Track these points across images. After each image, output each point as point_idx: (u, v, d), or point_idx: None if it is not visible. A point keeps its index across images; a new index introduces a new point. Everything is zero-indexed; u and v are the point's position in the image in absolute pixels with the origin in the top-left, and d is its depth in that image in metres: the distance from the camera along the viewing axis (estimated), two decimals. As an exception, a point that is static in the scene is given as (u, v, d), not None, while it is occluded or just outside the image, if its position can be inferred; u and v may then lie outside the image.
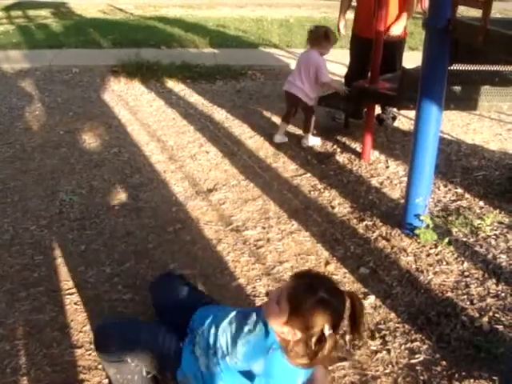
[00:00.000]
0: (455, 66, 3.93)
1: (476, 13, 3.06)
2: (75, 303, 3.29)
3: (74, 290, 3.40)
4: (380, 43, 4.73)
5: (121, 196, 4.54)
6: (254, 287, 3.42)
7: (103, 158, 5.22)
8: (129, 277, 3.52)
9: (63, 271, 3.59)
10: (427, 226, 3.85)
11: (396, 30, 5.46)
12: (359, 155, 5.24)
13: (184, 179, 4.83)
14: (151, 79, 7.73)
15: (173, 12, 14.08)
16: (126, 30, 11.01)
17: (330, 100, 5.64)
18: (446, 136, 5.78)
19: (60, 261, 3.69)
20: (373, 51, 4.84)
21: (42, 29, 11.40)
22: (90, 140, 5.66)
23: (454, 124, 6.25)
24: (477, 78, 4.22)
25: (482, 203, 4.47)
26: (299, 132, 5.82)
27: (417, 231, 3.83)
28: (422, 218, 3.86)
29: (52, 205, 4.41)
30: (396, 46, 5.69)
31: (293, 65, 8.46)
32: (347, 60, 6.20)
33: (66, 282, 3.47)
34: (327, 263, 3.68)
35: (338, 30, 5.88)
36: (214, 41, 9.98)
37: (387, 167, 5.06)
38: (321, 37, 5.31)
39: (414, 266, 3.62)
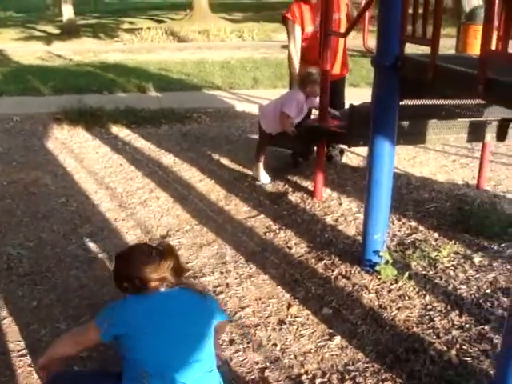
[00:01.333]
0: (404, 102, 3.98)
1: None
2: (29, 365, 3.11)
3: (26, 351, 3.23)
4: (327, 82, 4.76)
5: (71, 247, 4.39)
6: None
7: (51, 209, 5.06)
8: (85, 332, 3.36)
9: (14, 331, 3.41)
10: (387, 262, 3.83)
11: (339, 69, 5.61)
12: (311, 194, 5.22)
13: (136, 227, 4.72)
14: (95, 125, 7.62)
15: (112, 57, 14.05)
16: (67, 77, 10.89)
17: (278, 140, 5.63)
18: (394, 170, 5.82)
19: (10, 320, 3.51)
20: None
21: (-22, 77, 11.17)
22: (35, 190, 5.49)
23: (400, 158, 6.33)
24: (424, 112, 4.28)
25: (436, 235, 4.50)
26: (250, 174, 5.79)
27: (377, 267, 3.81)
28: (381, 253, 3.85)
29: (-1, 260, 4.23)
30: (341, 84, 5.84)
31: (238, 106, 8.52)
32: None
33: (18, 343, 3.30)
34: (289, 306, 3.61)
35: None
36: (157, 84, 9.94)
37: (340, 204, 5.06)
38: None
39: (376, 303, 3.59)
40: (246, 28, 20.39)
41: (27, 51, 17.32)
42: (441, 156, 6.49)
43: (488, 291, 3.69)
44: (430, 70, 3.00)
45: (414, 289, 3.73)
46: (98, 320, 2.33)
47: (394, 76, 3.44)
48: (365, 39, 5.23)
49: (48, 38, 21.45)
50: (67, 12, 22.37)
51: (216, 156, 6.45)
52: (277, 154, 6.21)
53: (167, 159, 6.38)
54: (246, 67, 11.77)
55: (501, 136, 4.92)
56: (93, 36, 20.30)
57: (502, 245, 4.33)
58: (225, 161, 6.27)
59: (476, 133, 4.85)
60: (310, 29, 5.57)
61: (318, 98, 5.04)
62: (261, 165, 5.60)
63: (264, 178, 5.56)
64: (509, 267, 4.00)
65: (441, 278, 3.85)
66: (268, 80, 10.34)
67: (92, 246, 4.41)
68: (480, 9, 6.55)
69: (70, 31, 21.40)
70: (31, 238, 4.54)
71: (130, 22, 24.82)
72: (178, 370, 2.25)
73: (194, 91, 9.67)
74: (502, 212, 4.90)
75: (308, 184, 5.47)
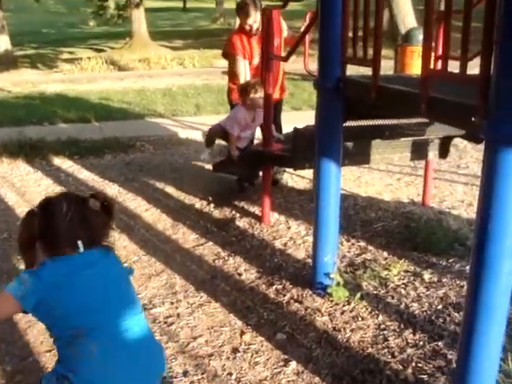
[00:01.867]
0: (347, 123, 4.01)
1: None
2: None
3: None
4: (270, 106, 4.77)
5: (14, 285, 4.23)
6: (171, 367, 3.22)
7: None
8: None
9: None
10: (338, 284, 3.82)
11: (278, 93, 5.67)
12: (259, 218, 5.19)
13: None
14: (36, 158, 7.44)
15: (53, 87, 13.82)
16: (5, 108, 10.64)
17: (223, 166, 5.60)
18: (340, 191, 5.87)
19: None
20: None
21: None
22: (-27, 228, 5.30)
23: (345, 178, 6.36)
24: (368, 133, 4.32)
25: (385, 254, 4.52)
26: (196, 201, 5.74)
27: (328, 290, 3.79)
28: (331, 275, 3.83)
29: None
30: (279, 106, 5.90)
31: (181, 133, 8.48)
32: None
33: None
34: (242, 333, 3.55)
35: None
36: (98, 114, 9.81)
37: (289, 228, 5.04)
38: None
39: (330, 326, 3.56)
40: (187, 55, 20.44)
41: (-37, 83, 16.93)
42: (385, 175, 6.56)
43: (439, 307, 3.72)
44: (373, 90, 3.03)
45: (367, 309, 3.72)
46: (12, 289, 2.03)
47: (336, 98, 3.46)
48: (306, 62, 5.29)
49: (-16, 69, 21.04)
50: (4, 43, 21.98)
51: (161, 185, 6.36)
52: (222, 180, 6.15)
53: (111, 190, 6.26)
54: (188, 94, 11.75)
55: (443, 153, 5.03)
56: (31, 67, 19.99)
57: (450, 260, 4.39)
58: (170, 189, 6.19)
59: (419, 151, 4.94)
60: (256, 60, 5.60)
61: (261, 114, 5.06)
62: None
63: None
64: (458, 282, 4.04)
65: (392, 297, 3.86)
66: (210, 106, 10.33)
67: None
68: (416, 30, 6.74)
69: (7, 62, 21.03)
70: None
71: (70, 52, 24.57)
72: (112, 321, 2.14)
73: (137, 120, 9.59)
74: (447, 228, 4.96)
75: (255, 209, 5.44)
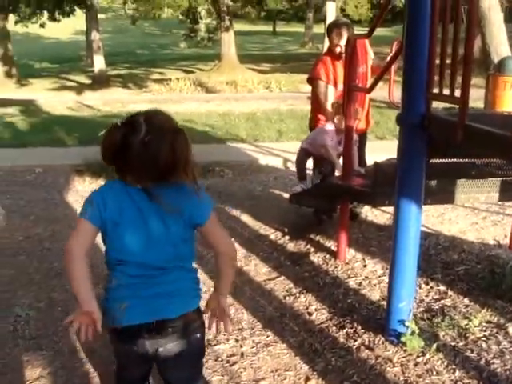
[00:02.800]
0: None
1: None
2: None
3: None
4: (351, 139, 4.59)
5: (82, 309, 4.21)
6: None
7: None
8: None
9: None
10: (413, 332, 3.57)
11: (364, 123, 5.45)
12: (334, 254, 5.00)
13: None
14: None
15: (140, 107, 13.99)
16: (93, 128, 10.84)
17: (302, 198, 5.45)
18: (422, 228, 5.60)
19: (12, 389, 3.33)
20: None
21: (7, 127, 11.25)
22: (50, 246, 5.36)
23: (428, 214, 6.07)
24: (453, 171, 4.07)
25: (467, 301, 4.23)
26: (271, 232, 5.61)
27: (402, 338, 3.55)
28: (406, 323, 3.59)
29: (5, 321, 4.05)
30: (364, 138, 5.69)
31: (261, 159, 8.39)
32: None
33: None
34: (307, 379, 3.36)
35: None
36: (181, 137, 9.88)
37: (365, 266, 4.82)
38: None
39: (402, 378, 3.32)
40: (274, 79, 20.52)
41: (59, 101, 17.63)
42: (471, 213, 6.22)
43: (524, 366, 3.42)
44: (459, 130, 2.81)
45: (443, 362, 3.45)
46: (81, 213, 2.31)
47: (420, 135, 3.26)
48: (390, 93, 5.08)
49: (79, 88, 21.88)
50: (99, 62, 22.84)
51: (237, 212, 6.28)
52: (299, 211, 6.01)
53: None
54: (271, 119, 11.70)
55: (535, 196, 4.69)
56: (123, 86, 20.62)
57: (539, 313, 4.07)
58: (246, 217, 6.09)
59: (508, 191, 4.62)
60: (341, 86, 5.40)
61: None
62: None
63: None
64: None
65: (472, 351, 3.57)
66: (293, 132, 10.23)
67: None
68: (510, 59, 6.41)
69: (100, 81, 21.81)
70: (42, 297, 4.37)
71: (160, 73, 25.22)
72: (150, 261, 2.28)
73: (218, 144, 9.59)
74: (536, 275, 4.62)
75: (331, 244, 5.25)
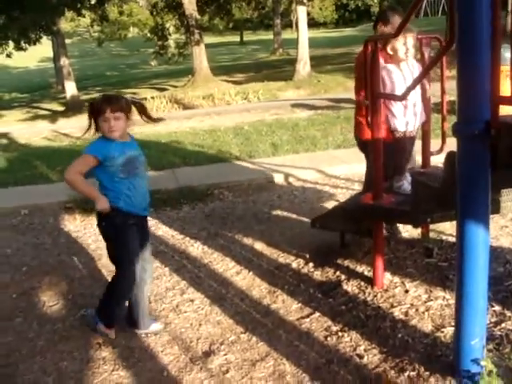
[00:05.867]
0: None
1: None
2: None
3: None
4: (380, 153, 4.07)
5: (97, 380, 3.64)
6: None
7: (70, 326, 4.31)
8: None
9: None
10: (490, 372, 3.07)
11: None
12: (370, 281, 4.48)
13: (172, 342, 3.97)
14: (110, 212, 6.94)
15: (119, 132, 13.49)
16: (74, 157, 10.18)
17: (327, 221, 4.93)
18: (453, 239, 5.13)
19: None
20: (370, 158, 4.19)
21: (-19, 167, 10.65)
22: (50, 302, 4.78)
23: (453, 223, 5.59)
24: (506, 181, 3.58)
25: (528, 321, 3.76)
26: (291, 260, 5.11)
27: (481, 382, 3.04)
28: (482, 362, 3.09)
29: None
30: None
31: (261, 176, 7.89)
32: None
33: None
34: None
35: None
36: (170, 159, 9.37)
37: (406, 291, 4.31)
38: None
39: (490, 430, 2.83)
40: (250, 89, 20.12)
41: (33, 132, 17.14)
42: (496, 215, 5.72)
43: None
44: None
45: (532, 405, 2.96)
46: (86, 151, 3.94)
47: (483, 146, 2.76)
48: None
49: (53, 117, 21.36)
50: (70, 88, 22.34)
51: (249, 240, 5.73)
52: (315, 233, 5.40)
53: (195, 248, 5.67)
54: (261, 132, 11.19)
55: None
56: (97, 111, 19.96)
57: None
58: (259, 245, 5.55)
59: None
60: None
61: None
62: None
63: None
64: None
65: (558, 388, 3.09)
66: (287, 144, 9.72)
67: (122, 373, 3.67)
68: (504, 50, 5.98)
69: (74, 107, 21.34)
70: (49, 369, 3.78)
71: (133, 93, 24.68)
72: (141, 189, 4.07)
73: (211, 164, 9.02)
74: None
75: (363, 269, 4.74)
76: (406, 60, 4.37)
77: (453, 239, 5.08)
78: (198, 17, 24.24)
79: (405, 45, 4.27)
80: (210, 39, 42.00)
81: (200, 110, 17.70)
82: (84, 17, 28.40)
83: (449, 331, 3.68)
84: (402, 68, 4.34)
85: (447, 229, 5.26)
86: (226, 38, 54.84)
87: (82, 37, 42.73)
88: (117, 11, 28.65)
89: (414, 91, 4.01)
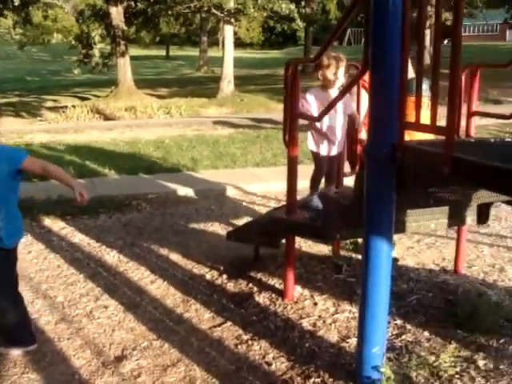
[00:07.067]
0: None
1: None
2: None
3: None
4: (294, 168, 4.27)
5: (6, 382, 3.63)
6: None
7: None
8: None
9: None
10: (388, 378, 3.28)
11: None
12: (280, 293, 4.66)
13: (84, 346, 4.00)
14: (25, 218, 6.80)
15: (38, 138, 13.30)
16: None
17: (241, 235, 5.08)
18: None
19: None
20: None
21: None
22: None
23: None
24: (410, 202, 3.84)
25: (427, 334, 4.04)
26: (206, 271, 5.22)
27: (379, 386, 3.26)
28: (381, 369, 3.30)
29: None
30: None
31: (179, 190, 7.97)
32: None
33: None
34: None
35: None
36: (89, 169, 9.30)
37: (315, 304, 4.51)
38: None
39: (386, 433, 3.02)
40: (173, 104, 20.11)
41: None
42: (403, 236, 6.06)
43: (508, 406, 3.22)
44: (446, 162, 2.54)
45: (425, 410, 3.19)
46: None
47: (390, 168, 2.99)
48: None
49: (-34, 119, 20.55)
50: (-14, 91, 21.66)
51: (164, 251, 5.81)
52: (230, 245, 5.57)
53: (110, 257, 5.69)
54: (182, 146, 11.28)
55: (483, 218, 4.58)
56: (15, 115, 19.47)
57: (501, 341, 3.94)
58: (175, 256, 5.64)
59: (457, 217, 4.48)
60: None
61: None
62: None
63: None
64: None
65: (451, 392, 3.35)
66: (207, 160, 9.85)
67: (31, 377, 3.66)
68: (413, 80, 6.37)
69: (-11, 111, 20.66)
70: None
71: (54, 100, 24.26)
72: None
73: (131, 175, 9.03)
74: (488, 300, 4.51)
75: (275, 281, 4.91)
76: (333, 87, 4.63)
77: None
78: (125, 28, 24.09)
79: (335, 73, 4.54)
80: (135, 51, 41.73)
81: (122, 121, 17.56)
82: (6, 18, 27.73)
83: (353, 342, 3.89)
84: (330, 94, 4.60)
85: (358, 247, 5.51)
86: (151, 51, 54.59)
87: (3, 38, 41.54)
88: (41, 15, 27.97)
89: (337, 118, 4.30)
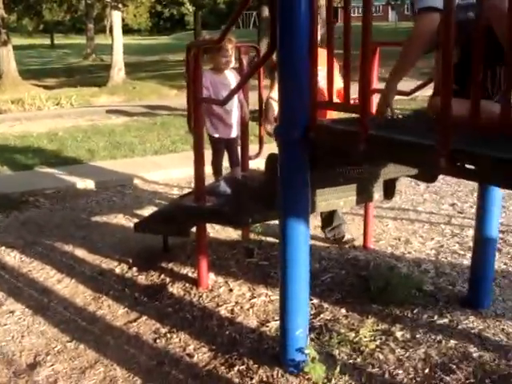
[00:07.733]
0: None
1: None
2: None
3: None
4: (201, 155, 4.18)
5: None
6: None
7: None
8: None
9: None
10: (313, 359, 3.28)
11: None
12: (194, 282, 4.57)
13: (-8, 357, 3.77)
14: None
15: None
16: None
17: (148, 225, 4.94)
18: (269, 239, 5.41)
19: None
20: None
21: None
22: None
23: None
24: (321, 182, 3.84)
25: (344, 311, 4.10)
26: (114, 265, 5.05)
27: (305, 368, 3.25)
28: (306, 351, 3.30)
29: None
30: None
31: (78, 183, 7.70)
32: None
33: None
34: None
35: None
36: (-21, 166, 8.81)
37: (230, 291, 4.46)
38: None
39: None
40: (63, 94, 19.36)
41: None
42: (311, 216, 6.07)
43: (426, 371, 3.34)
44: (361, 140, 2.54)
45: (351, 384, 3.22)
46: None
47: (304, 149, 2.96)
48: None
49: None
50: None
51: (69, 247, 5.56)
52: (137, 237, 5.39)
53: (12, 258, 5.38)
54: (77, 138, 10.89)
55: (389, 194, 4.67)
56: None
57: (415, 311, 4.09)
58: (80, 252, 5.41)
59: (364, 193, 4.54)
60: None
61: None
62: None
63: None
64: (433, 337, 3.72)
65: (373, 365, 3.42)
66: (105, 150, 9.56)
67: None
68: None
69: None
70: None
71: None
72: None
73: (25, 170, 8.62)
74: (398, 272, 4.66)
75: (187, 271, 4.82)
76: (226, 68, 4.59)
77: (271, 239, 5.34)
78: (5, 15, 22.95)
79: (229, 56, 4.51)
80: (18, 41, 40.00)
81: (9, 114, 16.71)
82: None
83: (273, 325, 3.88)
84: (224, 76, 4.55)
85: (266, 230, 5.50)
86: (35, 40, 52.46)
87: None
88: None
89: (234, 100, 4.23)
